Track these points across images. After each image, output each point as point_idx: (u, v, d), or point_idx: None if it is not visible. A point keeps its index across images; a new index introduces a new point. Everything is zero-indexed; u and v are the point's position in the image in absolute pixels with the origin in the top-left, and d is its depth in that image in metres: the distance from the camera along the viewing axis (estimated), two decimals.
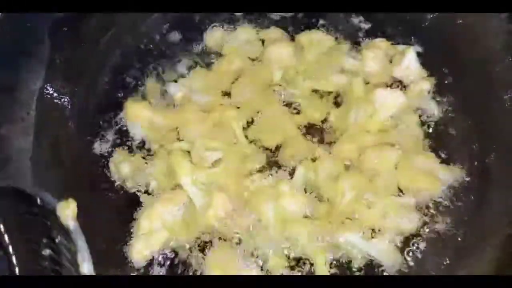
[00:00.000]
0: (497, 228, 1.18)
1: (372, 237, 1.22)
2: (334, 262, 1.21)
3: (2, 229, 1.04)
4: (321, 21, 1.59)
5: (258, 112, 1.41)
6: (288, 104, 1.43)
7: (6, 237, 1.03)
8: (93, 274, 1.09)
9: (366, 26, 1.58)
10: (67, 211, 1.08)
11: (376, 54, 1.47)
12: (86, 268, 1.00)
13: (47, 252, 1.07)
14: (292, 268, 1.21)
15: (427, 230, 1.25)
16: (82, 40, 1.44)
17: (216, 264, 1.20)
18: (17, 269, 1.02)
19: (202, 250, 1.23)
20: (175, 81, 1.48)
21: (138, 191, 1.33)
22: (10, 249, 1.02)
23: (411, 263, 1.21)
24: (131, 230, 1.27)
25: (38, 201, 1.10)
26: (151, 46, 1.57)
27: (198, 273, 1.21)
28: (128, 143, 1.40)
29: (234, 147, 1.35)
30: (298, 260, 1.22)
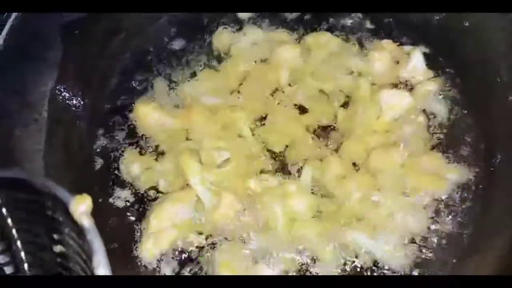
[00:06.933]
0: (503, 228, 1.18)
1: (379, 237, 1.22)
2: (342, 262, 1.22)
3: (10, 223, 0.94)
4: (327, 23, 1.59)
5: (265, 114, 1.43)
6: (296, 105, 1.44)
7: (14, 232, 0.95)
8: None
9: (372, 27, 1.58)
10: (82, 207, 0.92)
11: (382, 55, 1.48)
12: (102, 273, 0.90)
13: (57, 248, 0.97)
14: (300, 268, 1.22)
15: (433, 230, 1.25)
16: (92, 43, 1.46)
17: (225, 263, 1.21)
18: (26, 265, 0.96)
19: (211, 249, 1.25)
20: (183, 83, 1.50)
21: (148, 190, 1.34)
22: (19, 243, 0.95)
23: (417, 263, 1.21)
24: (141, 229, 1.29)
25: (50, 195, 0.94)
26: (159, 48, 1.58)
27: (206, 272, 1.22)
28: (138, 143, 1.42)
29: (242, 148, 1.37)
30: (306, 260, 1.22)
